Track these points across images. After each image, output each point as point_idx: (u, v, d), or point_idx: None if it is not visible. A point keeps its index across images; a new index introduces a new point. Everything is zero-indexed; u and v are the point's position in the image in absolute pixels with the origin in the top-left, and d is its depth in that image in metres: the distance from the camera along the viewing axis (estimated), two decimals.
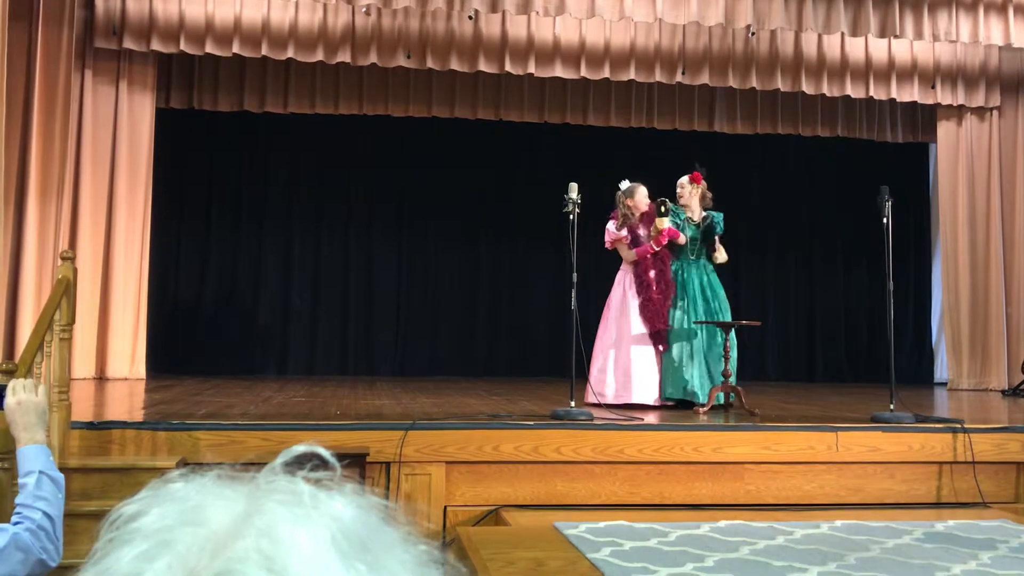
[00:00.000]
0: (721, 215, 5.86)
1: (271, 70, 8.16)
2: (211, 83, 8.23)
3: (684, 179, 5.97)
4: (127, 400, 5.77)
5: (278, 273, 9.27)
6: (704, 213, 5.88)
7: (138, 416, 4.48)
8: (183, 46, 7.32)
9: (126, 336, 7.44)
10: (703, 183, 5.93)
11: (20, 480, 1.94)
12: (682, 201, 5.91)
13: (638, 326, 5.66)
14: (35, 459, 1.96)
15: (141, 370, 7.47)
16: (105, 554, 0.47)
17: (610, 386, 5.60)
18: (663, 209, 5.61)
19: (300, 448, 0.54)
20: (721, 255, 5.81)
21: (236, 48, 7.35)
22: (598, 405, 5.29)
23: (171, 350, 8.59)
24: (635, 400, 5.48)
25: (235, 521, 0.46)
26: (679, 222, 5.82)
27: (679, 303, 5.76)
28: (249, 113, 8.38)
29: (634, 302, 5.70)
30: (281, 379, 8.11)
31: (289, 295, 9.26)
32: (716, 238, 5.80)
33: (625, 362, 5.62)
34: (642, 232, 5.79)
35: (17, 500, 1.91)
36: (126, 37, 7.33)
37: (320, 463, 0.54)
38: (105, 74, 7.55)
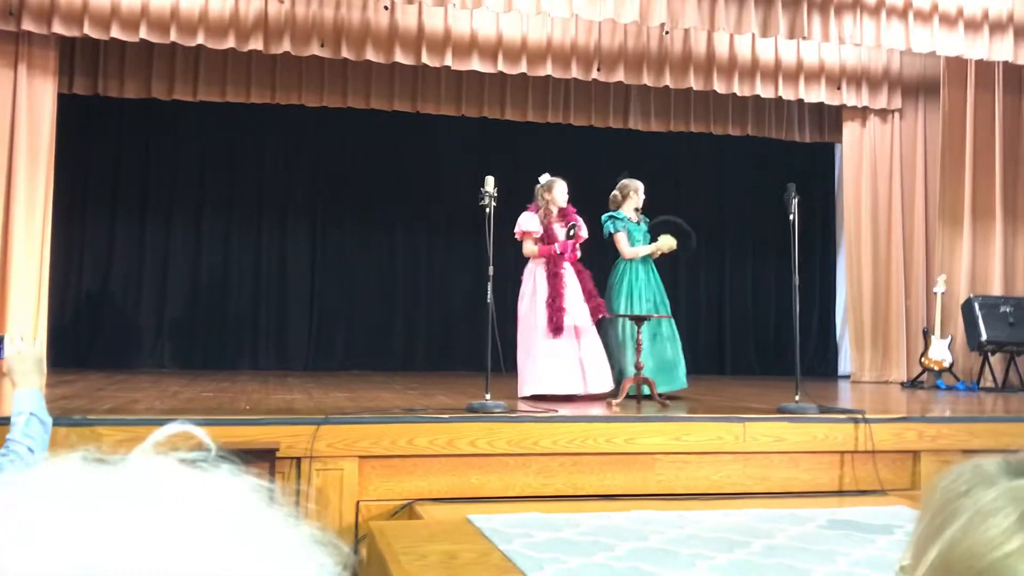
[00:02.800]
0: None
1: (180, 57, 7.95)
2: (117, 69, 7.97)
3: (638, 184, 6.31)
4: None
5: (186, 264, 9.05)
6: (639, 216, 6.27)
7: None
8: (87, 30, 7.05)
9: (25, 329, 7.15)
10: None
11: (12, 418, 2.17)
12: (627, 204, 6.16)
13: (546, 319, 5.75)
14: (28, 401, 2.21)
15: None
16: None
17: (534, 377, 5.65)
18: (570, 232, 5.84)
19: (172, 428, 0.51)
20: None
21: (143, 33, 7.11)
22: (540, 398, 5.36)
23: (74, 344, 8.31)
24: (566, 391, 5.54)
25: (108, 522, 0.43)
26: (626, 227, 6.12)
27: (624, 298, 5.95)
28: (157, 100, 8.14)
29: (543, 296, 5.77)
30: (189, 373, 7.91)
31: (198, 285, 9.05)
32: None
33: (542, 353, 5.68)
34: (556, 230, 5.87)
35: (8, 436, 2.15)
36: (25, 18, 7.02)
37: (195, 444, 0.52)
38: (3, 57, 7.23)
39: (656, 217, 6.33)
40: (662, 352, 5.96)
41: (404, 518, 3.98)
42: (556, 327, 5.68)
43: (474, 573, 2.84)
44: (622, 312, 5.93)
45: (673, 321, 6.10)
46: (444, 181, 9.21)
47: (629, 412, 4.91)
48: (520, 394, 5.57)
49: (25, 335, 2.32)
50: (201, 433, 0.52)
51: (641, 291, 6.02)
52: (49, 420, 2.24)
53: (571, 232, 5.80)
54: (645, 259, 6.14)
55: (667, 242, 6.10)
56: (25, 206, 7.25)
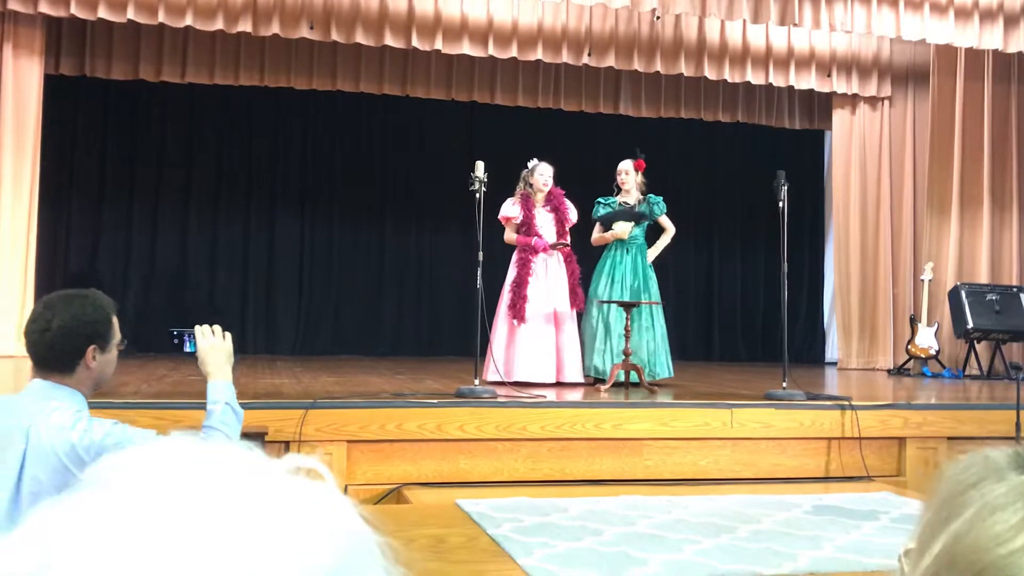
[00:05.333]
0: (660, 198, 6.11)
1: (168, 38, 7.88)
2: (104, 49, 7.90)
3: (628, 164, 6.10)
4: (12, 378, 5.53)
5: (174, 246, 9.00)
6: (640, 197, 6.06)
7: None
8: (73, 10, 6.97)
9: (12, 312, 7.11)
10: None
11: (208, 407, 2.35)
12: (624, 187, 6.06)
13: (536, 307, 5.74)
14: (223, 392, 2.37)
15: None
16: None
17: (507, 363, 5.64)
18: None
19: (299, 460, 0.51)
20: (664, 239, 6.18)
21: (131, 14, 7.05)
22: (500, 383, 5.30)
23: None
24: (528, 378, 5.53)
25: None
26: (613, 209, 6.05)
27: (604, 284, 5.92)
28: (145, 82, 8.08)
29: (534, 282, 5.78)
30: (176, 357, 7.87)
31: (185, 269, 9.00)
32: (660, 218, 6.13)
33: (522, 340, 5.69)
34: (539, 215, 5.87)
35: (204, 422, 2.33)
36: None
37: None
38: None
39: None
40: (640, 340, 5.88)
41: (392, 502, 3.99)
42: (516, 313, 5.69)
43: (462, 557, 2.85)
44: (601, 297, 5.89)
45: (657, 309, 6.02)
46: (434, 165, 9.18)
47: (617, 398, 4.93)
48: (494, 377, 5.43)
49: (217, 329, 2.47)
50: (324, 469, 0.52)
51: (624, 276, 5.95)
52: (241, 411, 2.39)
53: (558, 245, 5.82)
54: (633, 245, 6.05)
55: (620, 228, 5.97)
56: (11, 188, 7.19)
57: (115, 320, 2.36)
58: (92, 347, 2.23)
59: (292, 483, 0.47)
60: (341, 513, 0.47)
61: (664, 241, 6.21)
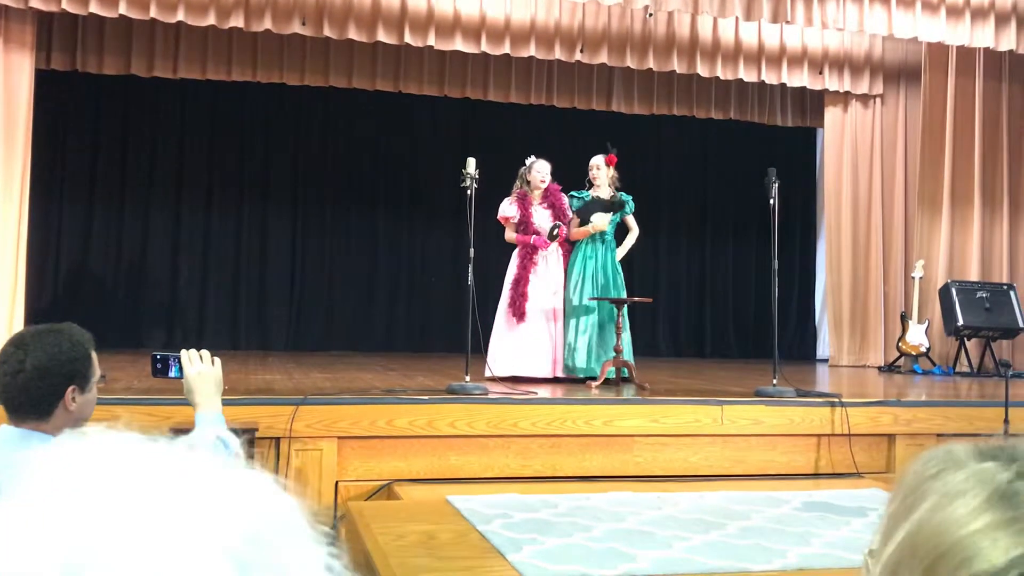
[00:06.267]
0: (630, 197, 6.01)
1: (160, 33, 7.86)
2: (96, 44, 7.88)
3: (599, 160, 6.01)
4: None
5: (166, 242, 8.99)
6: (613, 193, 6.00)
7: None
8: (65, 5, 6.94)
9: (3, 306, 7.09)
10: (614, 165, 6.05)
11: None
12: (596, 182, 5.99)
13: (536, 303, 5.76)
14: (213, 424, 2.18)
15: None
16: None
17: (507, 360, 5.66)
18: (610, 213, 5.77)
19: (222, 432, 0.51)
20: (629, 239, 6.06)
21: (123, 9, 7.01)
22: (502, 379, 5.35)
23: (52, 321, 8.22)
24: (527, 373, 5.56)
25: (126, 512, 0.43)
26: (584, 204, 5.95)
27: (575, 280, 5.86)
28: (136, 77, 8.06)
29: (535, 280, 5.80)
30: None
31: (177, 265, 8.99)
32: (627, 218, 6.00)
33: (522, 336, 5.72)
34: (535, 213, 5.87)
35: None
36: None
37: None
38: None
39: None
40: (604, 335, 5.73)
41: (383, 498, 3.99)
42: (517, 311, 5.71)
43: (452, 553, 2.86)
44: (572, 293, 5.84)
45: (623, 308, 5.80)
46: (426, 162, 9.18)
47: (608, 394, 4.94)
48: (490, 374, 5.46)
49: (205, 355, 2.26)
50: (236, 441, 0.52)
51: (595, 274, 5.85)
52: (234, 443, 2.18)
53: (554, 232, 5.79)
54: (605, 241, 5.91)
55: (599, 221, 5.81)
56: (2, 183, 7.16)
57: (94, 355, 2.13)
58: (72, 387, 2.01)
59: (200, 464, 0.47)
60: (254, 488, 0.47)
61: (630, 241, 6.09)
